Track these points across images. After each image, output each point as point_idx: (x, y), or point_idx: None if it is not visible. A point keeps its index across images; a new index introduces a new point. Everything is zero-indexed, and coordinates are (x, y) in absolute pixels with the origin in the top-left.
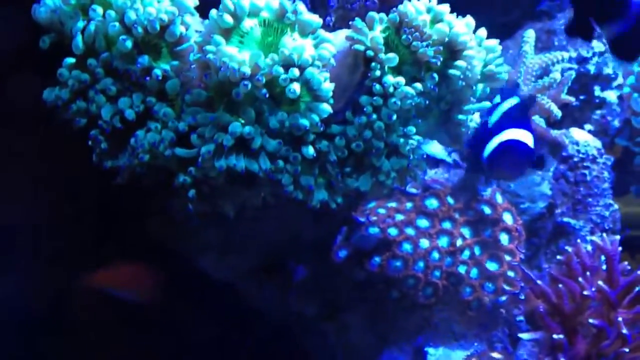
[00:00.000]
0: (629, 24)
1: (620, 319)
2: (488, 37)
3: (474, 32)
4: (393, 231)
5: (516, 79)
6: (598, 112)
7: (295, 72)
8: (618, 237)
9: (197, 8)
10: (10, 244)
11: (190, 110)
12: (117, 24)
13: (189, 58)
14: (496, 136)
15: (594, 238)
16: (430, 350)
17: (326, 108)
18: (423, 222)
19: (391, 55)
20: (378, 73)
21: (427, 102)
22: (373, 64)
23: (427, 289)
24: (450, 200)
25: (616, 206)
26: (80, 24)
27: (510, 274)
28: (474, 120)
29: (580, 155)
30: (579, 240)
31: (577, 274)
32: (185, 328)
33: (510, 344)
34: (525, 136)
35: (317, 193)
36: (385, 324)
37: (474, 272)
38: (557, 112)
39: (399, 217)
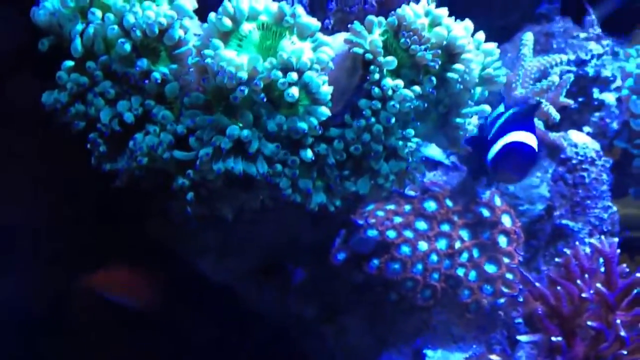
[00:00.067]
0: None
1: (618, 321)
2: (486, 40)
3: (472, 35)
4: (391, 234)
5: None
6: (597, 114)
7: (294, 76)
8: (616, 239)
9: (195, 11)
10: (10, 245)
11: (189, 113)
12: (116, 27)
13: (187, 61)
14: (500, 139)
15: (592, 240)
16: (429, 352)
17: (325, 111)
18: (421, 225)
19: (390, 58)
20: (377, 76)
21: (426, 105)
22: (372, 67)
23: (426, 292)
24: (448, 202)
25: (615, 208)
26: (79, 26)
27: (509, 276)
28: (472, 123)
29: (579, 158)
30: (577, 243)
31: (576, 276)
32: (184, 330)
33: (508, 346)
34: (529, 138)
35: (315, 196)
36: (383, 327)
37: (472, 274)
38: (556, 115)
39: (398, 219)
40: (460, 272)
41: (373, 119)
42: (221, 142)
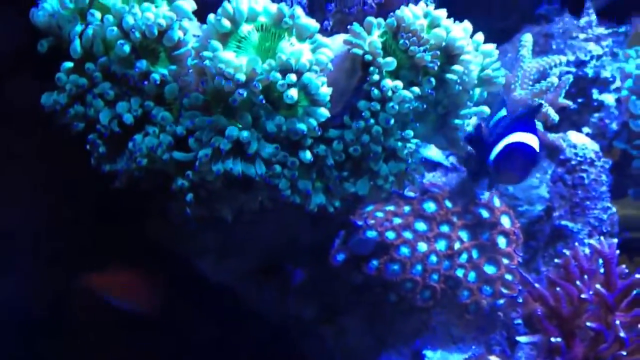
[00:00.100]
0: None
1: (617, 322)
2: (486, 41)
3: (471, 36)
4: (391, 235)
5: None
6: (596, 115)
7: (293, 77)
8: (616, 240)
9: (195, 12)
10: (10, 246)
11: (188, 114)
12: (115, 28)
13: (186, 62)
14: (502, 139)
15: (591, 241)
16: (428, 353)
17: (324, 112)
18: (421, 226)
19: (389, 59)
20: (376, 77)
21: (425, 106)
22: (371, 68)
23: (425, 292)
24: (448, 203)
25: (614, 209)
26: (79, 28)
27: (508, 277)
28: (471, 124)
29: (578, 159)
30: (576, 244)
31: (575, 277)
32: (185, 330)
33: (508, 347)
34: (531, 139)
35: (314, 197)
36: (383, 327)
37: (471, 275)
38: (555, 116)
39: (397, 220)
40: (460, 273)
41: (372, 120)
42: (220, 143)
